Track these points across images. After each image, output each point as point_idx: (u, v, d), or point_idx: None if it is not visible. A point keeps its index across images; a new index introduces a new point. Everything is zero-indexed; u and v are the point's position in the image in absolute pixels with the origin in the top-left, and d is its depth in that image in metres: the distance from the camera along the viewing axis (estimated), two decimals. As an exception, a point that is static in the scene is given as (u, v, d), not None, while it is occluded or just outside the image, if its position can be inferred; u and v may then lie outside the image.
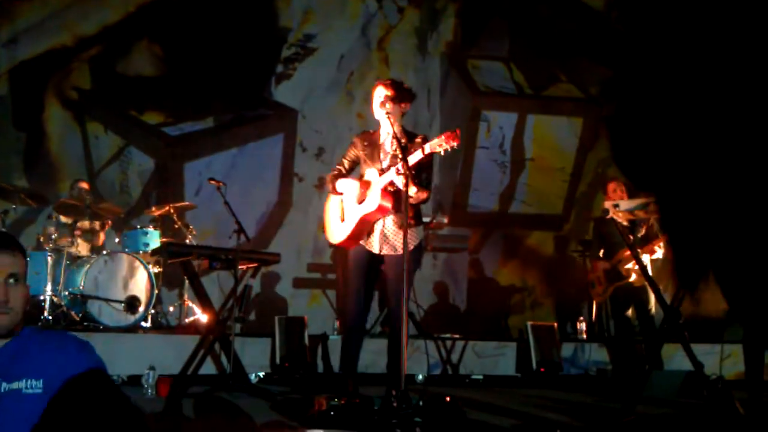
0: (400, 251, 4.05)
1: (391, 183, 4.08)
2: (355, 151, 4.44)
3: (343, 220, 4.33)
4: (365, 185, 4.26)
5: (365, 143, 4.39)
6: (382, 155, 4.32)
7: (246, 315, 5.02)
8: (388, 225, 4.24)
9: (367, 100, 4.47)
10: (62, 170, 7.71)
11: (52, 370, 1.79)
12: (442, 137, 3.94)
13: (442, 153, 3.95)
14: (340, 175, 4.42)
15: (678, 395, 5.09)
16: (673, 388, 5.13)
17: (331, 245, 4.52)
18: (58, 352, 1.84)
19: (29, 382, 1.78)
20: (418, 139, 4.26)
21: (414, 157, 4.00)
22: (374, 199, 4.14)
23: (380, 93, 4.31)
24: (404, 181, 3.85)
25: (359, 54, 8.87)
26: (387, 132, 4.34)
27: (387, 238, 4.24)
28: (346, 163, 4.46)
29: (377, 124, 4.41)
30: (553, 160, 9.22)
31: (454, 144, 3.92)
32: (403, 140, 4.19)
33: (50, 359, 1.81)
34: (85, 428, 1.68)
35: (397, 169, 3.96)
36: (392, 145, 4.18)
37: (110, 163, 7.90)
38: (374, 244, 4.25)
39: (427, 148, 3.98)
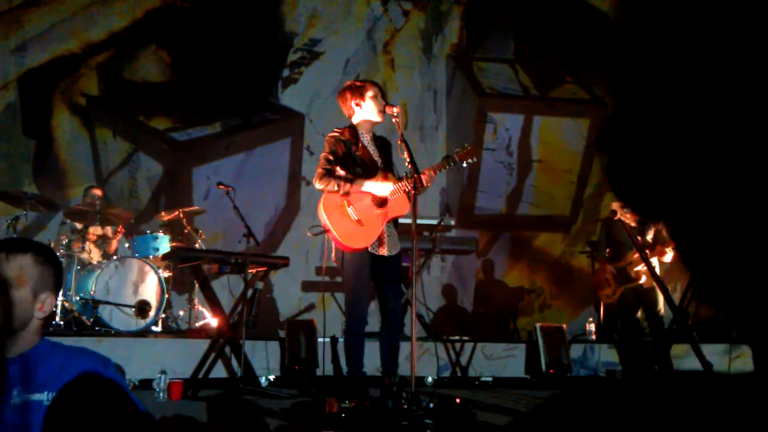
0: (396, 251, 4.38)
1: (411, 184, 4.01)
2: (340, 149, 4.29)
3: (361, 224, 4.23)
4: (389, 180, 4.29)
5: (354, 145, 4.33)
6: (376, 158, 4.36)
7: (256, 318, 5.04)
8: (392, 226, 4.34)
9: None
10: (71, 176, 7.76)
11: None
12: (466, 150, 4.25)
13: (464, 165, 4.29)
14: (334, 173, 4.28)
15: None
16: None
17: (343, 249, 4.44)
18: (79, 368, 1.83)
19: (50, 395, 1.77)
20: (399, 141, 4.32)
21: (441, 167, 4.26)
22: (404, 202, 4.23)
23: (379, 95, 4.32)
24: (426, 185, 4.13)
25: (365, 58, 8.90)
26: (368, 133, 4.38)
27: (393, 238, 4.33)
28: (335, 160, 4.29)
29: (347, 122, 4.46)
30: (559, 162, 9.23)
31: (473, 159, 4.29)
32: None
33: (71, 375, 1.81)
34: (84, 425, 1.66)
35: (431, 177, 4.19)
36: (401, 149, 4.11)
37: (119, 169, 7.94)
38: (384, 247, 4.29)
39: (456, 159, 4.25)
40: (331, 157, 4.29)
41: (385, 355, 4.36)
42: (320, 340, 5.67)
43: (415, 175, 3.95)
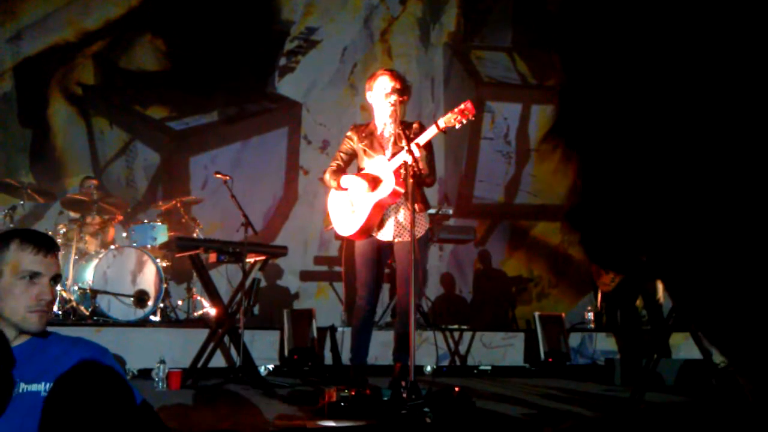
0: (408, 237, 4.16)
1: (403, 165, 3.97)
2: (352, 144, 4.45)
3: (353, 212, 4.32)
4: (372, 176, 4.26)
5: (362, 135, 4.42)
6: (384, 144, 4.35)
7: (252, 306, 5.04)
8: (401, 211, 4.26)
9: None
10: (68, 166, 7.73)
11: None
12: (456, 111, 3.98)
13: (457, 127, 3.95)
14: (339, 170, 4.43)
15: (675, 383, 5.09)
16: (670, 376, 5.13)
17: (339, 238, 4.52)
18: (77, 358, 1.82)
19: (47, 386, 1.76)
20: (416, 125, 4.32)
21: (429, 133, 4.05)
22: (388, 183, 4.16)
23: (386, 83, 4.30)
24: (416, 156, 3.91)
25: (362, 46, 8.86)
26: (383, 122, 4.37)
27: (401, 224, 4.26)
28: (343, 157, 4.48)
29: (370, 114, 4.49)
30: (558, 151, 9.19)
31: (471, 117, 3.97)
32: (406, 131, 4.19)
33: (69, 365, 1.79)
34: (83, 413, 1.63)
35: (409, 149, 3.92)
36: (398, 138, 4.13)
37: (116, 158, 7.91)
38: (388, 233, 4.27)
39: (442, 122, 4.01)
40: (338, 154, 4.50)
41: (395, 342, 4.39)
42: (318, 328, 5.68)
43: (405, 149, 3.91)
